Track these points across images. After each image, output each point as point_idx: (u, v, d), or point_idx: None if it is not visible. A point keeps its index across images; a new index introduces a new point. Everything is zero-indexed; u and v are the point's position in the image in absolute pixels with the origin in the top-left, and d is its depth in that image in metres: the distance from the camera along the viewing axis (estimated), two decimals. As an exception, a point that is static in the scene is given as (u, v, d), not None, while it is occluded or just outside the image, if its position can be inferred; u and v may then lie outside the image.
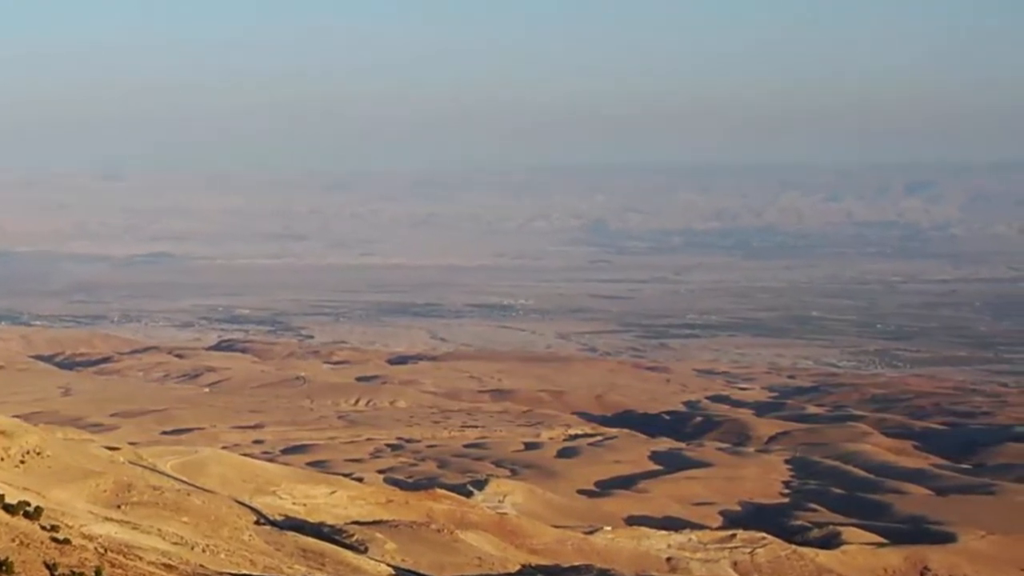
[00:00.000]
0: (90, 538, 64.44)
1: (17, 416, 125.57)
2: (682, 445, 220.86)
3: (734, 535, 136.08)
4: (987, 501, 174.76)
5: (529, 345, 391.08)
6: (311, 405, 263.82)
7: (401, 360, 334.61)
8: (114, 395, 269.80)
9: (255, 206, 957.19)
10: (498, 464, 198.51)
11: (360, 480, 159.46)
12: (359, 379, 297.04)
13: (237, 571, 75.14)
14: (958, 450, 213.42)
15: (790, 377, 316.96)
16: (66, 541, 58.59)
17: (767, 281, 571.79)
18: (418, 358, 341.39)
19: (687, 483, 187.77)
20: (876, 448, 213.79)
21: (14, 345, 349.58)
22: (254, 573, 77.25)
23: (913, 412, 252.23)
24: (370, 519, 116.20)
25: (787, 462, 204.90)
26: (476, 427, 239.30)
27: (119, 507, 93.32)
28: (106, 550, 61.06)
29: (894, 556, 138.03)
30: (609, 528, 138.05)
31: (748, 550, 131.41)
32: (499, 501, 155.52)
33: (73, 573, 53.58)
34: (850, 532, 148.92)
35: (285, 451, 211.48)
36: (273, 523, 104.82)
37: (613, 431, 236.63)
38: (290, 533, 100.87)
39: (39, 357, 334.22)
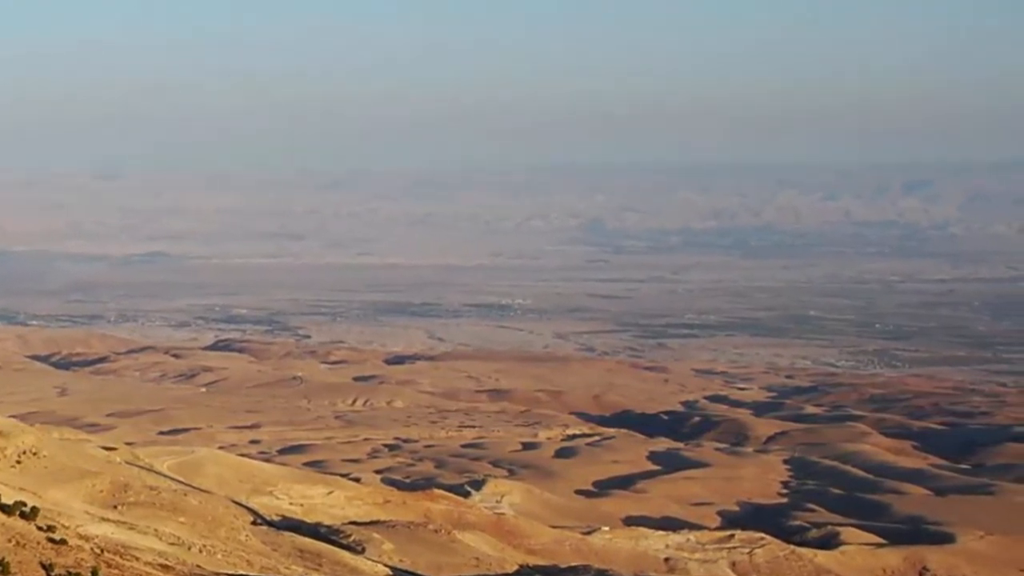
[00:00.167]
0: (86, 538, 64.15)
1: (13, 416, 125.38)
2: (680, 445, 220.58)
3: (732, 535, 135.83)
4: (986, 501, 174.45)
5: (527, 345, 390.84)
6: (308, 405, 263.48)
7: (398, 360, 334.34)
8: (110, 395, 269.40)
9: (252, 206, 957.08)
10: (496, 464, 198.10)
11: (357, 480, 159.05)
12: (356, 379, 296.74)
13: (234, 571, 74.86)
14: (957, 450, 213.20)
15: (788, 377, 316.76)
16: (62, 541, 58.33)
17: (765, 281, 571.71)
18: (415, 358, 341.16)
19: (685, 483, 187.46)
20: (875, 448, 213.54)
21: (10, 345, 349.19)
22: (251, 573, 76.97)
23: (912, 412, 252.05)
24: (367, 519, 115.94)
25: (785, 462, 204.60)
26: (474, 427, 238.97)
27: (115, 507, 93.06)
28: (102, 550, 60.80)
29: (893, 556, 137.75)
30: (607, 528, 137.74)
31: (746, 550, 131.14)
32: (497, 501, 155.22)
33: (69, 573, 53.37)
34: (849, 532, 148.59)
35: (282, 451, 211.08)
36: (270, 523, 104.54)
37: (611, 431, 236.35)
38: (287, 533, 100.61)
39: (35, 357, 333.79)
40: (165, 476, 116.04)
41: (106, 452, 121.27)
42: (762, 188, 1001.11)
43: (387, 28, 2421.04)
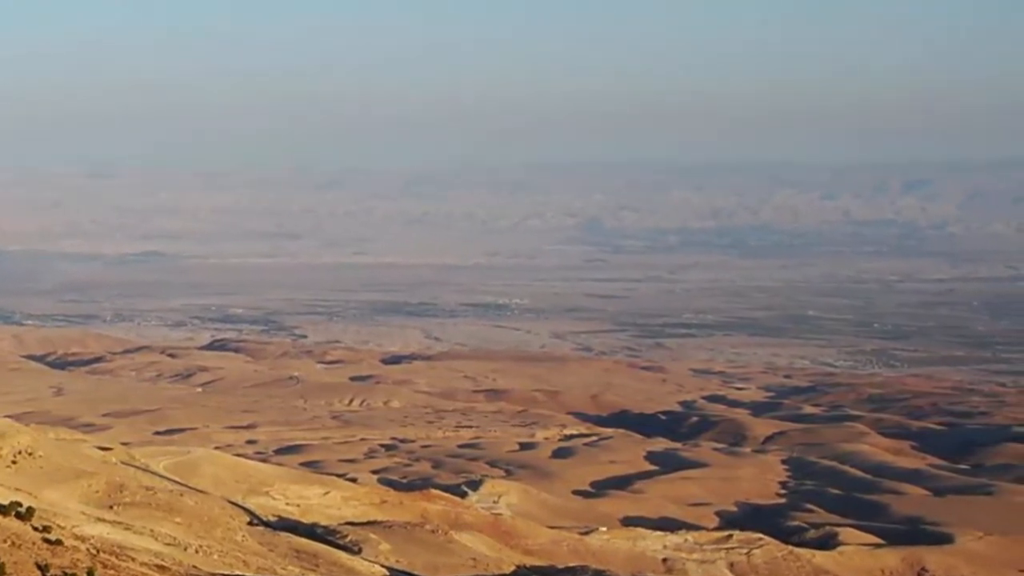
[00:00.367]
0: (82, 539, 63.77)
1: (9, 416, 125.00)
2: (678, 445, 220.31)
3: (730, 536, 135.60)
4: (985, 502, 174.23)
5: (524, 345, 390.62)
6: (304, 405, 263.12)
7: (395, 360, 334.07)
8: (106, 395, 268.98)
9: (248, 205, 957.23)
10: (493, 464, 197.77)
11: (354, 480, 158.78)
12: (353, 379, 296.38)
13: (230, 572, 74.53)
14: (955, 450, 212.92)
15: (786, 377, 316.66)
16: (58, 542, 58.02)
17: (763, 280, 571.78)
18: (412, 358, 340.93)
19: (683, 483, 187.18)
20: (873, 448, 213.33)
21: (6, 344, 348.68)
22: (247, 574, 76.62)
23: (910, 412, 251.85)
24: (364, 520, 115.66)
25: (784, 462, 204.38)
26: (471, 427, 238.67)
27: (111, 508, 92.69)
28: (98, 551, 60.42)
29: (891, 557, 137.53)
30: (604, 529, 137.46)
31: (744, 551, 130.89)
32: (494, 502, 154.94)
33: (65, 574, 53.05)
34: (847, 533, 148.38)
35: (278, 451, 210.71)
36: (266, 524, 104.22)
37: (608, 431, 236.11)
38: (283, 534, 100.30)
39: (31, 357, 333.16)
40: (161, 476, 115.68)
41: (102, 452, 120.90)
42: (760, 187, 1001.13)
43: (383, 27, 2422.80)
